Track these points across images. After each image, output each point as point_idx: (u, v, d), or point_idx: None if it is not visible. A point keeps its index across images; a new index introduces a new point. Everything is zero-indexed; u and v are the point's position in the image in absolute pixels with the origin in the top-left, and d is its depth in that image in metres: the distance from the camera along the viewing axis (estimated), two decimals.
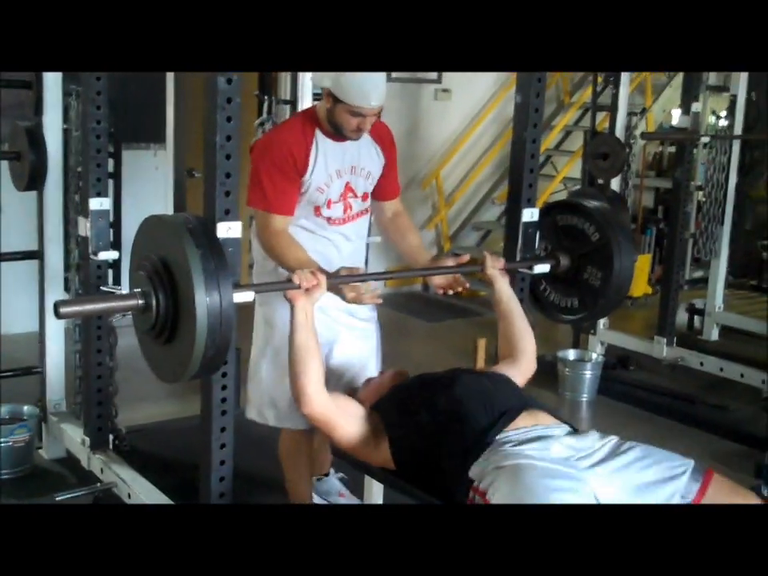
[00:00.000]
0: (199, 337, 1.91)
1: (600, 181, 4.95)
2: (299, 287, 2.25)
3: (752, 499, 2.08)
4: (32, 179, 3.38)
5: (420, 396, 2.39)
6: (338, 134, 2.61)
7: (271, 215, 2.58)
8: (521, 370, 2.57)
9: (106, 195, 3.09)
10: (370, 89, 2.48)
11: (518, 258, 2.83)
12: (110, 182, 3.24)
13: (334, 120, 2.56)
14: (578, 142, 7.32)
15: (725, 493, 2.06)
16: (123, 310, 2.08)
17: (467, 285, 2.68)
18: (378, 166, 2.77)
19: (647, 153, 7.63)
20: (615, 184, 4.94)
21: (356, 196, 2.73)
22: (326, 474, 3.07)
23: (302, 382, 2.30)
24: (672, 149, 7.33)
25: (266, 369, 2.80)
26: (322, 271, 2.36)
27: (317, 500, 3.00)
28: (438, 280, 2.70)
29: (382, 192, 2.84)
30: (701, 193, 5.70)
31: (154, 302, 1.99)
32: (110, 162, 3.28)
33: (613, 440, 2.18)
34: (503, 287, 2.66)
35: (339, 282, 2.39)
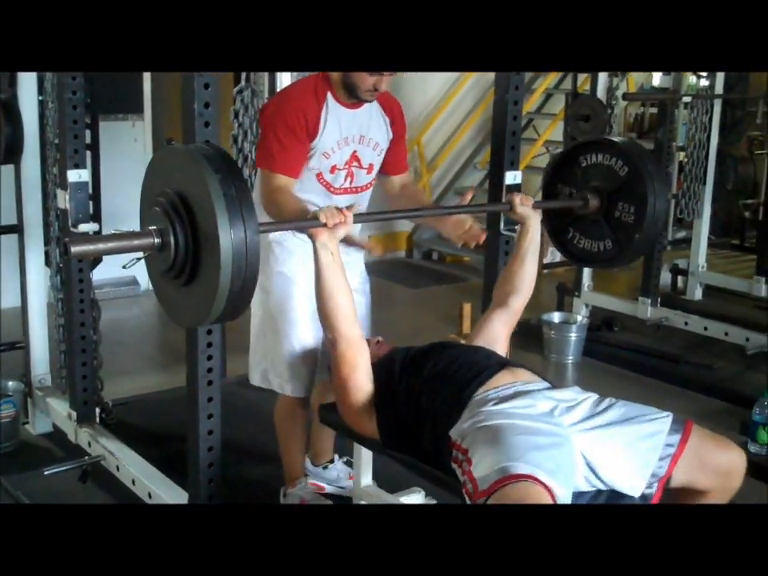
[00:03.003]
0: (224, 274, 1.75)
1: None
2: (325, 225, 2.15)
3: (732, 446, 2.10)
4: (8, 152, 3.33)
5: (400, 368, 2.37)
6: (351, 96, 2.58)
7: (274, 175, 2.55)
8: (511, 312, 2.53)
9: (84, 167, 3.06)
10: None
11: (501, 224, 2.82)
12: (88, 154, 3.20)
13: (350, 80, 2.53)
14: (558, 104, 7.29)
15: (705, 441, 2.08)
16: (138, 249, 1.89)
17: (483, 237, 2.60)
18: (386, 138, 2.76)
19: (628, 114, 7.63)
20: None
21: (361, 167, 2.70)
22: (331, 461, 3.07)
23: (336, 321, 2.25)
24: (653, 110, 7.32)
25: (264, 335, 2.79)
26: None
27: (328, 489, 2.99)
28: (456, 232, 2.62)
29: (391, 166, 2.82)
30: (682, 153, 5.70)
31: (171, 240, 1.82)
32: (88, 134, 3.23)
33: (593, 396, 2.18)
34: (534, 226, 2.54)
35: (364, 219, 2.34)
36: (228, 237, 1.73)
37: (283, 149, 2.55)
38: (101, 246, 1.89)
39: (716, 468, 2.07)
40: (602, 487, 2.04)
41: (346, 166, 2.67)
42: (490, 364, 2.28)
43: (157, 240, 1.84)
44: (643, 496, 2.04)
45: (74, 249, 1.78)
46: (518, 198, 2.52)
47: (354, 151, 2.67)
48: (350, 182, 2.71)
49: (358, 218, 2.26)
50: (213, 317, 1.85)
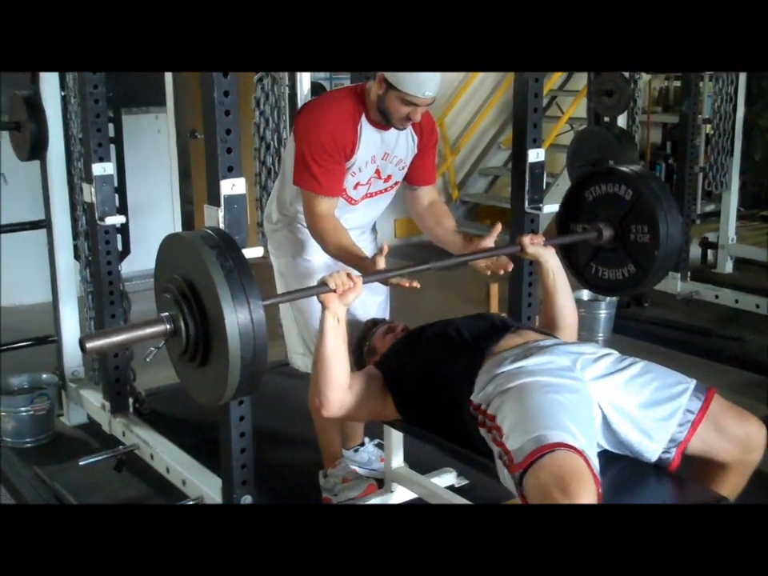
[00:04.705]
0: (233, 357, 1.79)
1: (606, 118, 4.90)
2: (334, 291, 2.14)
3: (751, 418, 2.10)
4: (34, 148, 3.37)
5: (409, 345, 2.40)
6: (385, 121, 2.55)
7: (319, 197, 2.52)
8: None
9: (108, 160, 3.08)
10: (426, 78, 2.39)
11: (526, 202, 2.81)
12: (112, 148, 3.22)
13: (384, 107, 2.49)
14: (582, 81, 7.23)
15: (725, 411, 2.08)
16: (152, 337, 1.92)
17: (510, 266, 2.56)
18: (410, 155, 2.73)
19: (653, 88, 7.54)
20: (622, 121, 4.89)
21: (379, 177, 2.70)
22: (362, 444, 3.08)
23: (325, 389, 2.23)
24: (678, 83, 7.24)
25: (294, 319, 2.85)
26: (361, 259, 2.35)
27: (360, 471, 2.98)
28: (481, 263, 2.60)
29: (417, 176, 2.79)
30: (708, 125, 5.63)
31: (182, 325, 1.85)
32: (111, 128, 3.26)
33: (614, 353, 2.19)
34: (550, 262, 2.52)
35: (375, 278, 2.29)
36: (234, 320, 1.76)
37: (324, 171, 2.51)
38: (115, 338, 1.89)
39: (733, 438, 2.06)
40: (615, 450, 2.06)
41: (368, 182, 2.67)
42: (496, 327, 2.31)
43: (169, 327, 1.87)
44: (659, 460, 2.05)
45: (89, 345, 1.82)
46: (527, 239, 2.50)
47: (377, 167, 2.66)
48: (368, 190, 2.71)
49: (367, 279, 2.23)
50: (229, 394, 1.88)
